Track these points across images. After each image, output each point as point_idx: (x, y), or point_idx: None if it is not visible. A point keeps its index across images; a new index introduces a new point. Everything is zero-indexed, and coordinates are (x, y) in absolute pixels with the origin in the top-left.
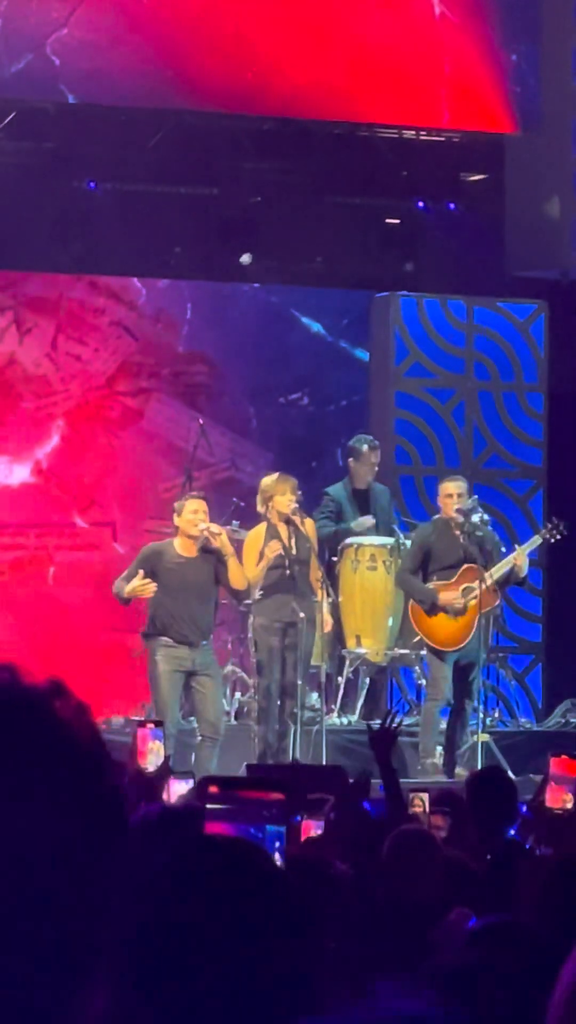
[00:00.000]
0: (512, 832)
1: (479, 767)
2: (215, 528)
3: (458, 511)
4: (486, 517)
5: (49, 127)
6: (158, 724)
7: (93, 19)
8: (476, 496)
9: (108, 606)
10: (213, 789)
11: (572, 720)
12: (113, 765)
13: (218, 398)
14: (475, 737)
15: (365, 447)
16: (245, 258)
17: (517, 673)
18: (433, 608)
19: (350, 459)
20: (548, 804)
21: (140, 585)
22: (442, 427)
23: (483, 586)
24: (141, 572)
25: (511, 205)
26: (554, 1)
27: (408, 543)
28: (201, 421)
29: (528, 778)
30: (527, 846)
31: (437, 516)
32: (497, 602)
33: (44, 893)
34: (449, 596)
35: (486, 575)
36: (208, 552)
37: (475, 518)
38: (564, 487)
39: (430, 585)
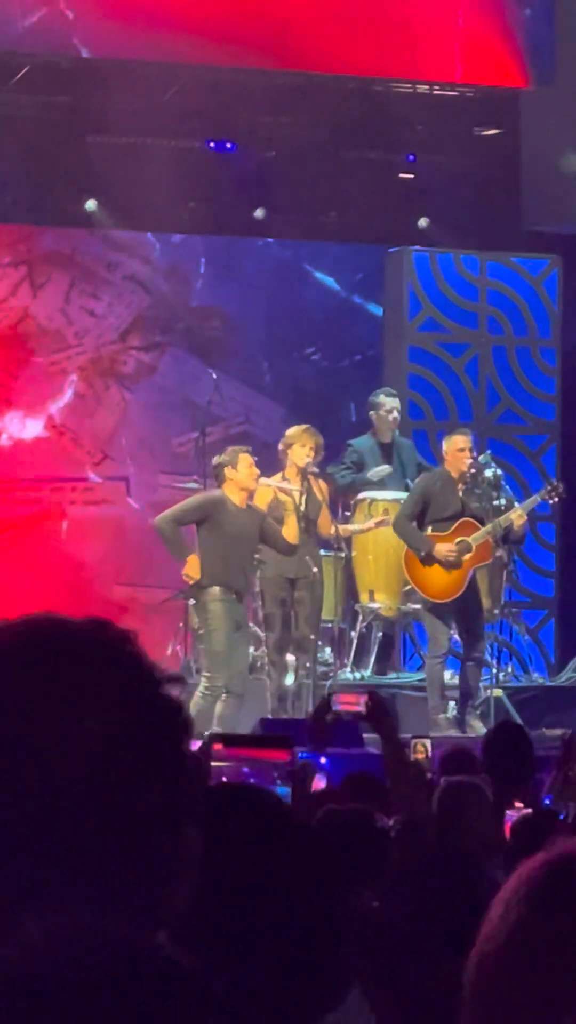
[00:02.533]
0: (547, 801)
1: (491, 722)
2: (287, 486)
3: (471, 465)
4: (499, 472)
5: (63, 81)
6: (175, 680)
7: None
8: (489, 451)
9: (121, 560)
10: (217, 747)
11: None
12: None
13: (232, 353)
14: (488, 692)
15: (381, 397)
16: (259, 212)
17: (530, 628)
18: (428, 558)
19: (371, 412)
20: None
21: (192, 568)
22: (455, 382)
23: (481, 539)
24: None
25: (525, 159)
26: None
27: None
28: (215, 375)
29: (541, 732)
30: (561, 816)
31: (440, 468)
32: (491, 559)
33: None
34: (444, 548)
35: (490, 524)
36: (252, 506)
37: (488, 473)
38: None
39: (426, 535)
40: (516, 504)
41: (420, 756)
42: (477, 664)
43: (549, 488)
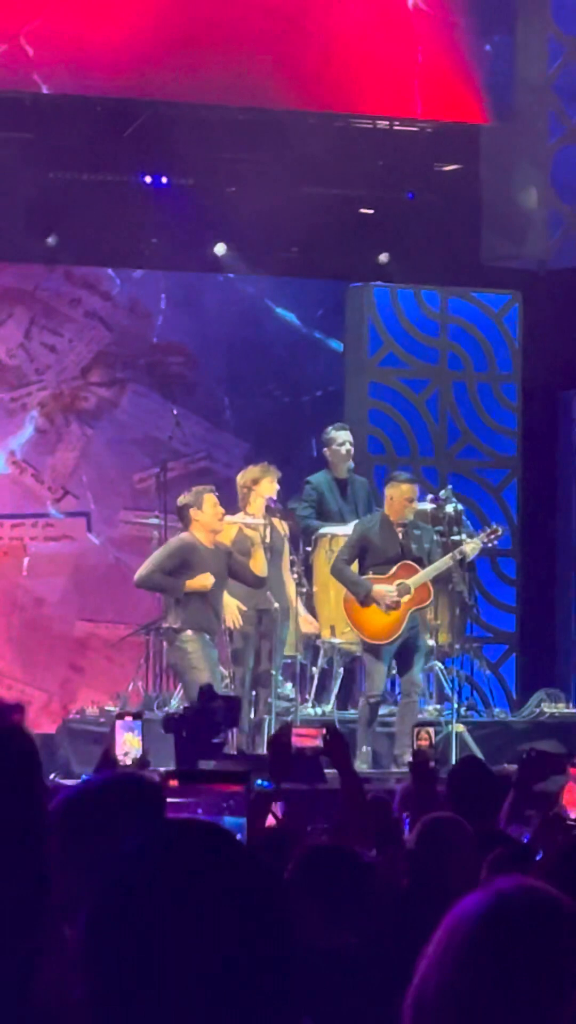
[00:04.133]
0: (526, 839)
1: (453, 758)
2: (252, 521)
3: (432, 499)
4: (460, 507)
5: (24, 117)
6: (136, 716)
7: (68, 9)
8: (450, 486)
9: (83, 596)
10: (173, 783)
11: (546, 710)
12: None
13: (193, 388)
14: (449, 727)
15: (332, 432)
16: (219, 248)
17: (491, 663)
18: (366, 599)
19: (324, 448)
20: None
21: (201, 580)
22: (416, 417)
23: (420, 581)
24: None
25: (486, 195)
26: None
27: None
28: (176, 411)
29: (503, 768)
30: (537, 857)
31: (380, 512)
32: (430, 600)
33: None
34: (382, 590)
35: (431, 566)
36: (218, 545)
37: (449, 508)
38: (538, 477)
39: (365, 578)
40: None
41: (424, 743)
42: (412, 703)
43: (489, 531)
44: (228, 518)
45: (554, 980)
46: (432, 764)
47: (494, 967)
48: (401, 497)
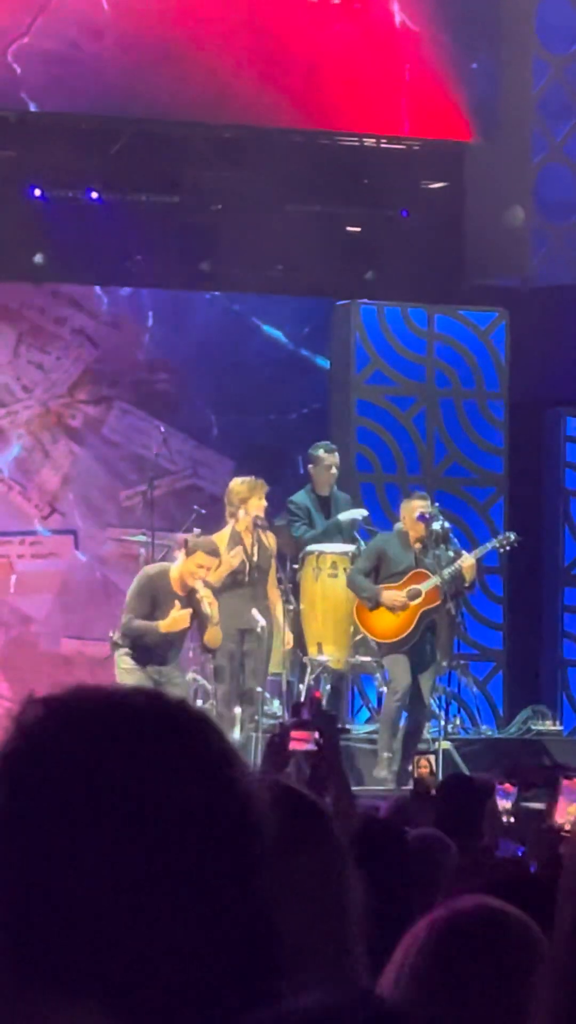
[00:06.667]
0: (520, 852)
1: (440, 775)
2: (209, 597)
3: (420, 517)
4: (447, 525)
5: (10, 135)
6: None
7: (54, 28)
8: (437, 504)
9: (69, 613)
10: None
11: (533, 727)
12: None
13: (179, 406)
14: (436, 744)
15: (321, 452)
16: (205, 266)
17: (478, 680)
18: (376, 605)
19: (310, 465)
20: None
21: (180, 616)
22: (403, 435)
23: (431, 586)
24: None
25: (471, 213)
26: (513, 10)
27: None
28: (162, 429)
29: (489, 777)
30: (531, 869)
31: (398, 528)
32: (439, 601)
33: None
34: (391, 595)
35: (438, 575)
36: (191, 592)
37: (436, 526)
38: (525, 495)
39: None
40: (465, 554)
41: (424, 771)
42: (422, 714)
43: (502, 539)
44: (198, 584)
45: (504, 994)
46: (432, 792)
47: (445, 981)
48: (411, 513)
